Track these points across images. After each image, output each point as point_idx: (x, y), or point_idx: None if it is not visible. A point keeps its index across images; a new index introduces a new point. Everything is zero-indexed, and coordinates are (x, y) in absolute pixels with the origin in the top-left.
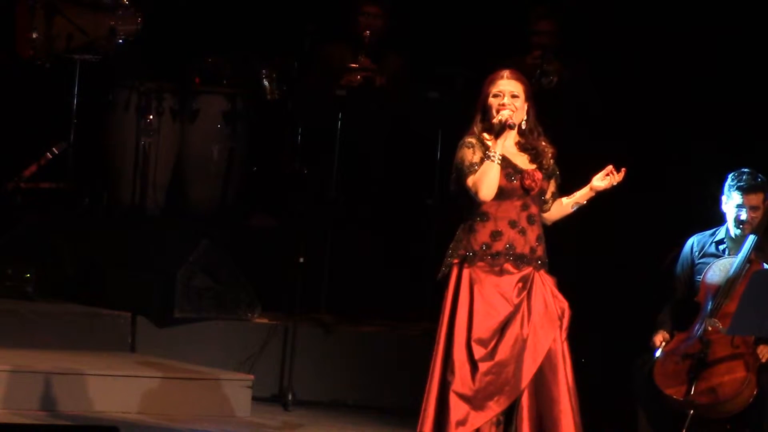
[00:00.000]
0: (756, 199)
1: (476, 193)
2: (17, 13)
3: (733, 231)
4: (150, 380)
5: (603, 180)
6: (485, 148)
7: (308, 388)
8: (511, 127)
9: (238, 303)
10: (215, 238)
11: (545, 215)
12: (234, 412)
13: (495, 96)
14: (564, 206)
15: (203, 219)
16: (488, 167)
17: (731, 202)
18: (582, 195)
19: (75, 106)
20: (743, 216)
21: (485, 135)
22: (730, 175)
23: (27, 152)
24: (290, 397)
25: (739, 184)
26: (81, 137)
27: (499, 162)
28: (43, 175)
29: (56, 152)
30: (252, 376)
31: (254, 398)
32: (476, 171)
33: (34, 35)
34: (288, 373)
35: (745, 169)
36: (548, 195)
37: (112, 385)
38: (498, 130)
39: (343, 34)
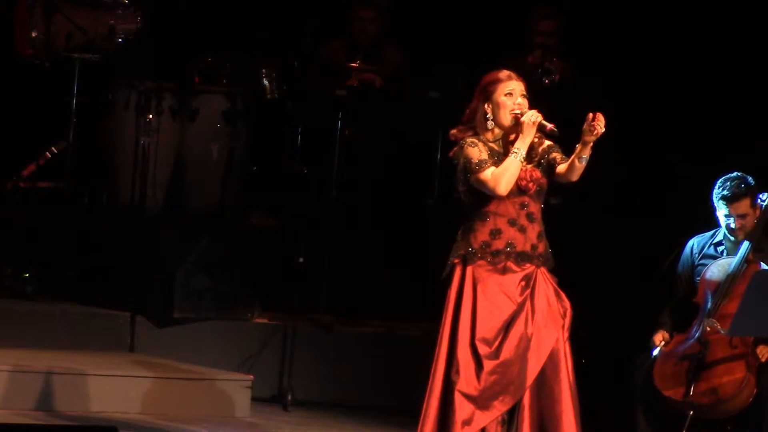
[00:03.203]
0: (742, 206)
1: (494, 187)
2: (17, 11)
3: (729, 236)
4: (149, 380)
5: (590, 132)
6: (488, 148)
7: (308, 388)
8: (553, 132)
9: (238, 303)
10: (215, 238)
11: (567, 176)
12: (233, 413)
13: (508, 95)
14: (575, 165)
15: (203, 219)
16: (511, 163)
17: (720, 211)
18: (584, 152)
19: (74, 105)
20: (732, 224)
21: (489, 136)
22: (717, 182)
23: (26, 151)
24: (290, 397)
25: (723, 193)
26: (80, 136)
27: (522, 160)
28: (42, 175)
29: (55, 151)
30: (251, 377)
31: (254, 398)
32: (487, 166)
33: (34, 34)
34: (287, 373)
35: (732, 174)
36: (558, 161)
37: (112, 385)
38: (531, 130)
39: (341, 34)
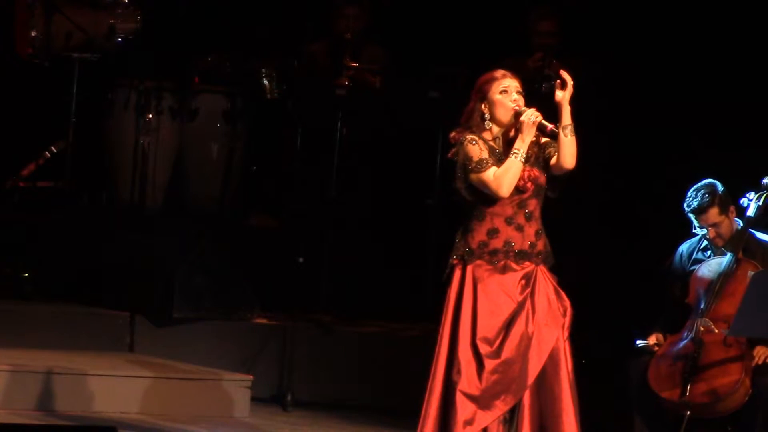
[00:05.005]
0: (711, 216)
1: (497, 189)
2: (16, 11)
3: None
4: (148, 380)
5: (562, 92)
6: (488, 147)
7: (307, 388)
8: (554, 132)
9: (238, 303)
10: (215, 238)
11: (560, 164)
12: (233, 413)
13: (503, 92)
14: (563, 142)
15: (202, 218)
16: (512, 164)
17: (694, 222)
18: (563, 118)
19: (74, 105)
20: (708, 235)
21: (488, 136)
22: (687, 194)
23: (25, 151)
24: (289, 397)
25: (691, 206)
26: (80, 136)
27: (522, 160)
28: (42, 174)
29: (55, 151)
30: (251, 377)
31: (253, 399)
32: (489, 166)
33: (33, 34)
34: (287, 373)
35: (700, 184)
36: (553, 155)
37: (111, 385)
38: (531, 130)
39: (326, 32)
